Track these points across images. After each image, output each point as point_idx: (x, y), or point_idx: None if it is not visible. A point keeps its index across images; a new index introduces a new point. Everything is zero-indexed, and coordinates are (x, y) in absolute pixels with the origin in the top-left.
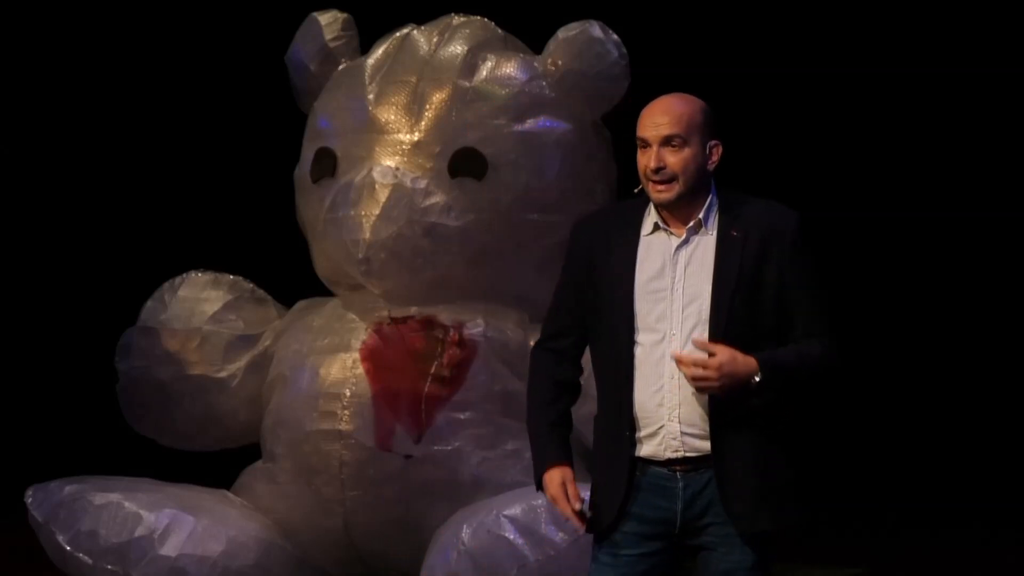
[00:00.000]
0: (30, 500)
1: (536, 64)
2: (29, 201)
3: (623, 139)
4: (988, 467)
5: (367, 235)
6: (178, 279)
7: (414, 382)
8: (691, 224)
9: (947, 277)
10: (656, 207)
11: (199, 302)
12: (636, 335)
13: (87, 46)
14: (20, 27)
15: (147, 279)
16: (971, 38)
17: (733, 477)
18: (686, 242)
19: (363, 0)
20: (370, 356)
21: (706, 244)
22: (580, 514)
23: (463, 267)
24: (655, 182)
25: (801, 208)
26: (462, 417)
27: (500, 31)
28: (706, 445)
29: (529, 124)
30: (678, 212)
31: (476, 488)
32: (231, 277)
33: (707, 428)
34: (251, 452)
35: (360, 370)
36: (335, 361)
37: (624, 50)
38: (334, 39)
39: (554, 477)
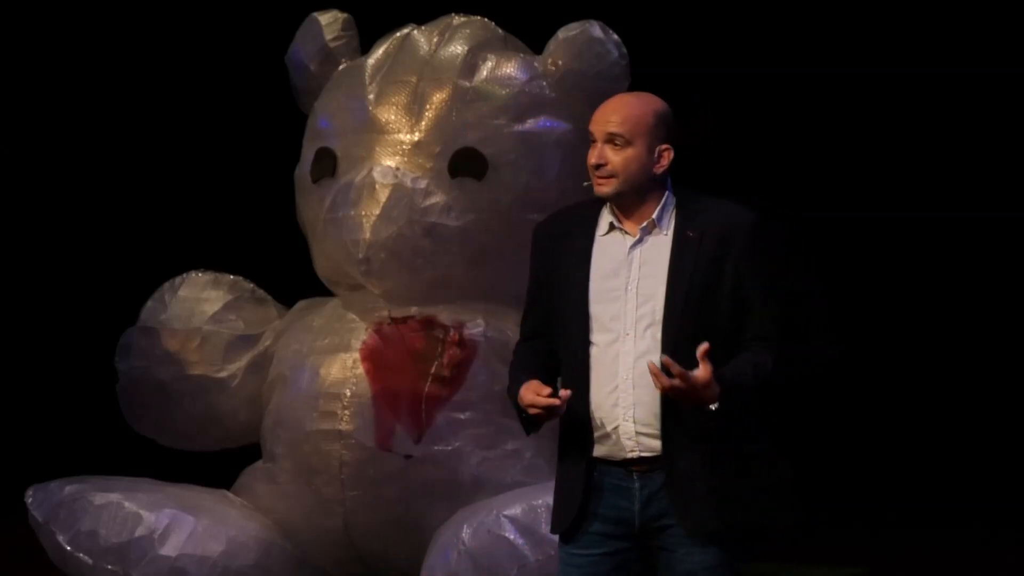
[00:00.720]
0: (30, 500)
1: (536, 64)
2: (29, 201)
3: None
4: (988, 467)
5: (367, 235)
6: (178, 279)
7: (414, 382)
8: (644, 224)
9: (947, 277)
10: (611, 207)
11: (199, 302)
12: (591, 335)
13: (87, 46)
14: (20, 27)
15: (147, 279)
16: (970, 38)
17: (684, 477)
18: (640, 242)
19: (363, 0)
20: (370, 356)
21: (661, 244)
22: (551, 409)
23: (463, 267)
24: (597, 177)
25: (801, 207)
26: (462, 417)
27: (500, 31)
28: (659, 444)
29: (529, 124)
30: (632, 212)
31: (476, 488)
32: (231, 277)
33: (659, 427)
34: (251, 452)
35: (360, 370)
36: (335, 361)
37: (624, 50)
38: (334, 39)
39: (528, 385)
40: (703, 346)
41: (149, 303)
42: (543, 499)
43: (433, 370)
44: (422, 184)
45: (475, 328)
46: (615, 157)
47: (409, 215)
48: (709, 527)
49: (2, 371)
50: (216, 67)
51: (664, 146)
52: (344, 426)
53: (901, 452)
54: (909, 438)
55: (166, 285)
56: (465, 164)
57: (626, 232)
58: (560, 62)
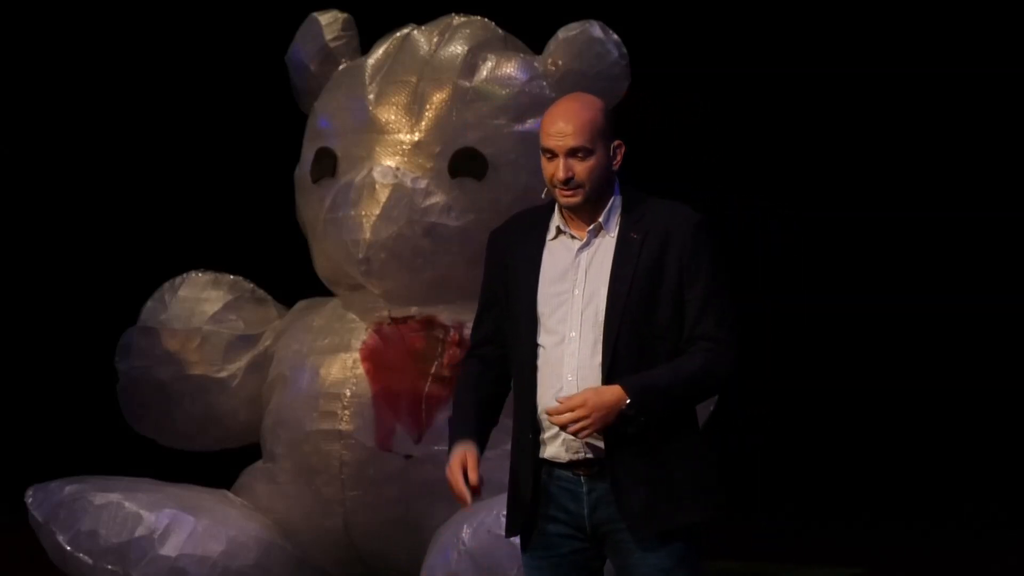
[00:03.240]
0: (30, 500)
1: (536, 64)
2: (29, 201)
3: (623, 139)
4: (988, 467)
5: (367, 235)
6: (178, 279)
7: (414, 382)
8: (591, 227)
9: (947, 278)
10: (560, 211)
11: (199, 302)
12: (538, 338)
13: (87, 46)
14: (20, 27)
15: (147, 279)
16: (970, 38)
17: (629, 478)
18: (587, 245)
19: (363, 0)
20: (370, 356)
21: (606, 246)
22: (473, 490)
23: (463, 267)
24: (563, 190)
25: (801, 207)
26: None
27: (500, 31)
28: (603, 445)
29: (529, 124)
30: (581, 215)
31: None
32: (231, 277)
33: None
34: (251, 452)
35: (360, 370)
36: (335, 361)
37: (624, 50)
38: (334, 39)
39: (457, 452)
40: (556, 400)
41: (149, 303)
42: None
43: (433, 370)
44: (422, 184)
45: None
46: (581, 168)
47: (409, 215)
48: (658, 529)
49: (2, 371)
50: (216, 67)
51: (617, 142)
52: (344, 426)
53: (901, 452)
54: (909, 438)
55: (166, 285)
56: (465, 164)
57: (573, 236)
58: (560, 62)
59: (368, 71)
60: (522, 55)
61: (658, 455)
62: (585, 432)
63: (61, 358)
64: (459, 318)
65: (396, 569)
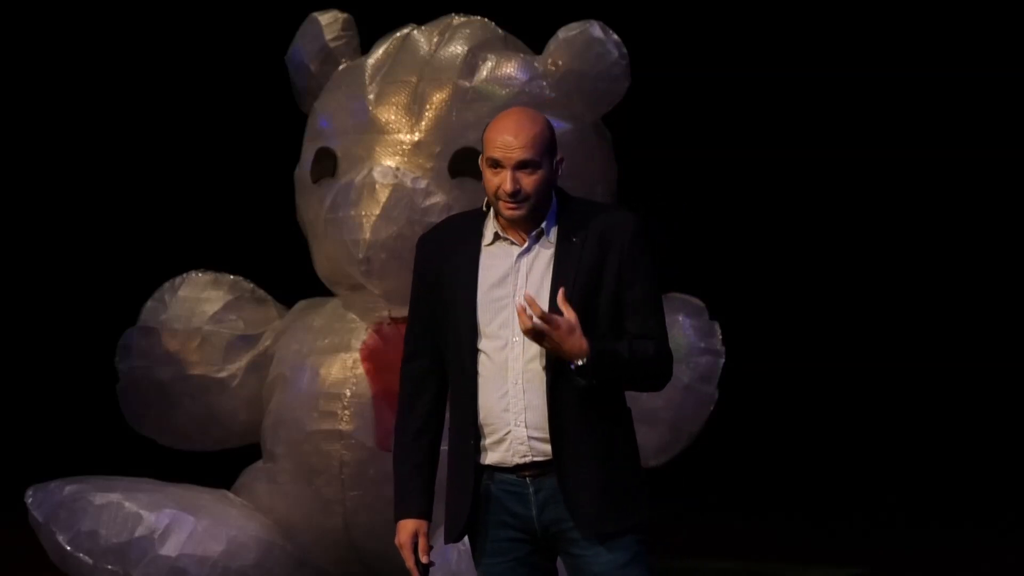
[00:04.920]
0: (30, 500)
1: (536, 64)
2: (29, 201)
3: (623, 139)
4: (988, 467)
5: (367, 235)
6: (178, 279)
7: None
8: (534, 232)
9: (947, 278)
10: (497, 217)
11: (199, 302)
12: (479, 342)
13: (87, 46)
14: (20, 27)
15: (147, 279)
16: (971, 38)
17: (578, 479)
18: (527, 250)
19: (363, 0)
20: (370, 356)
21: (546, 251)
22: (423, 567)
23: None
24: (508, 202)
25: (806, 217)
26: None
27: (500, 31)
28: (550, 448)
29: None
30: (520, 222)
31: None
32: (231, 277)
33: (549, 431)
34: (251, 452)
35: (360, 370)
36: (335, 361)
37: (624, 50)
38: (334, 39)
39: (407, 527)
40: (562, 291)
41: (149, 303)
42: None
43: None
44: (422, 184)
45: None
46: (528, 182)
47: (409, 215)
48: (608, 527)
49: (2, 371)
50: (216, 67)
51: (560, 157)
52: (344, 426)
53: (901, 452)
54: (909, 438)
55: (166, 285)
56: (465, 164)
57: (512, 241)
58: (560, 62)
59: (368, 71)
60: (522, 55)
61: (602, 455)
62: (530, 337)
63: (61, 358)
64: None
65: (396, 569)
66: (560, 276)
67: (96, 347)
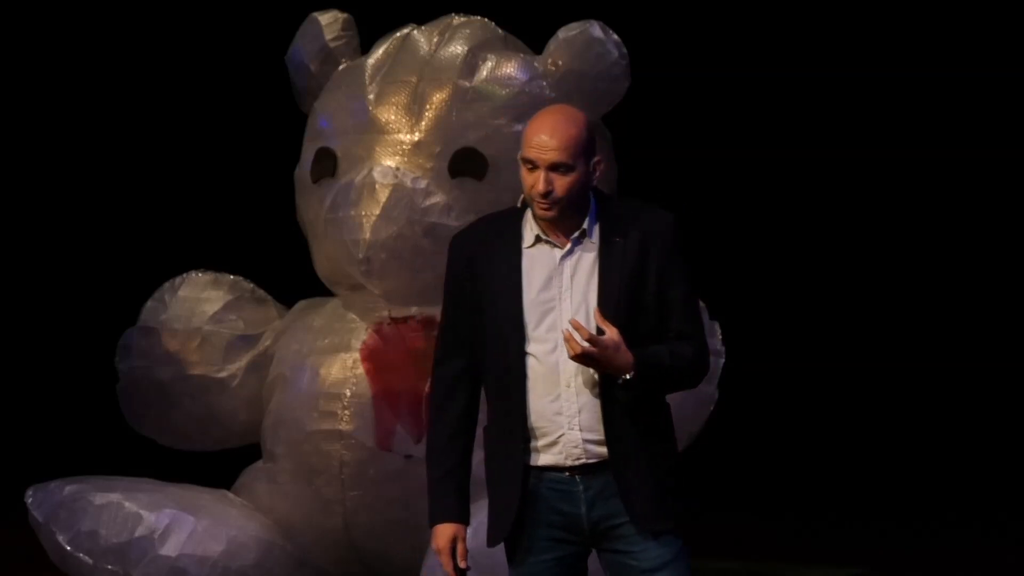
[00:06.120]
0: (30, 500)
1: (536, 64)
2: (29, 201)
3: (624, 139)
4: (988, 467)
5: (367, 235)
6: (178, 279)
7: (414, 382)
8: (575, 235)
9: (947, 278)
10: (536, 219)
11: (199, 302)
12: (527, 346)
13: (87, 46)
14: (20, 27)
15: (147, 279)
16: (971, 39)
17: (632, 479)
18: (570, 252)
19: (363, 0)
20: (370, 356)
21: (590, 252)
22: (461, 571)
23: None
24: (540, 202)
25: (805, 217)
26: None
27: (500, 31)
28: (604, 450)
29: None
30: (560, 223)
31: (476, 488)
32: (231, 277)
33: (604, 433)
34: (251, 452)
35: (360, 370)
36: (335, 361)
37: (624, 50)
38: (334, 39)
39: (446, 531)
40: (597, 310)
41: (149, 303)
42: None
43: None
44: (422, 184)
45: None
46: (561, 183)
47: (409, 215)
48: (661, 524)
49: (2, 371)
50: (216, 67)
51: (598, 159)
52: (344, 426)
53: (901, 452)
54: (909, 438)
55: (166, 285)
56: (465, 164)
57: (554, 243)
58: (560, 62)
59: (368, 71)
60: (522, 55)
61: (653, 454)
62: (579, 362)
63: (61, 358)
64: None
65: (396, 569)
66: (606, 277)
67: (96, 347)
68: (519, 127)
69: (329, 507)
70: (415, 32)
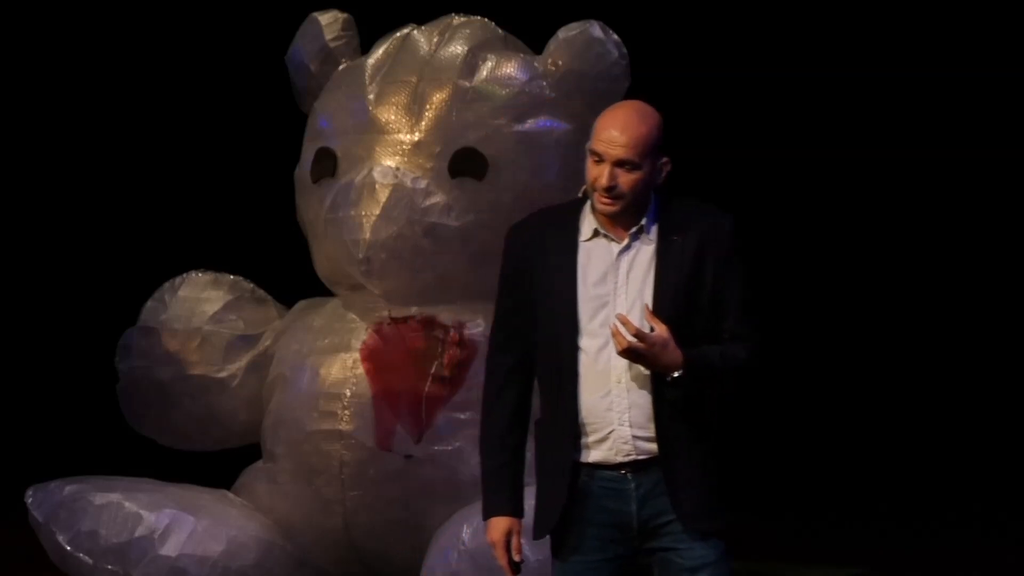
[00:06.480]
0: (30, 500)
1: (536, 64)
2: (29, 201)
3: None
4: (988, 467)
5: (367, 235)
6: (178, 279)
7: (414, 382)
8: (633, 230)
9: (947, 278)
10: (594, 212)
11: (199, 302)
12: (579, 340)
13: (87, 46)
14: (20, 27)
15: (147, 279)
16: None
17: (681, 477)
18: (628, 248)
19: (363, 0)
20: (370, 356)
21: (647, 249)
22: (515, 565)
23: (463, 267)
24: (603, 196)
25: (805, 217)
26: (462, 417)
27: (500, 31)
28: (654, 447)
29: (529, 124)
30: (619, 218)
31: (476, 488)
32: (231, 277)
33: (654, 430)
34: (251, 452)
35: (360, 370)
36: (335, 361)
37: (624, 50)
38: (334, 39)
39: (500, 525)
40: (647, 307)
41: (149, 303)
42: None
43: (433, 370)
44: (422, 184)
45: (475, 328)
46: (625, 180)
47: (409, 215)
48: (709, 524)
49: (2, 371)
50: (216, 67)
51: (665, 159)
52: (344, 426)
53: (901, 452)
54: (909, 438)
55: (166, 285)
56: (465, 164)
57: (612, 238)
58: (560, 62)
59: (368, 71)
60: (522, 55)
61: (702, 453)
62: (626, 357)
63: (61, 358)
64: (459, 318)
65: (396, 569)
66: (662, 275)
67: (96, 347)
68: (519, 127)
69: (329, 507)
70: (415, 32)
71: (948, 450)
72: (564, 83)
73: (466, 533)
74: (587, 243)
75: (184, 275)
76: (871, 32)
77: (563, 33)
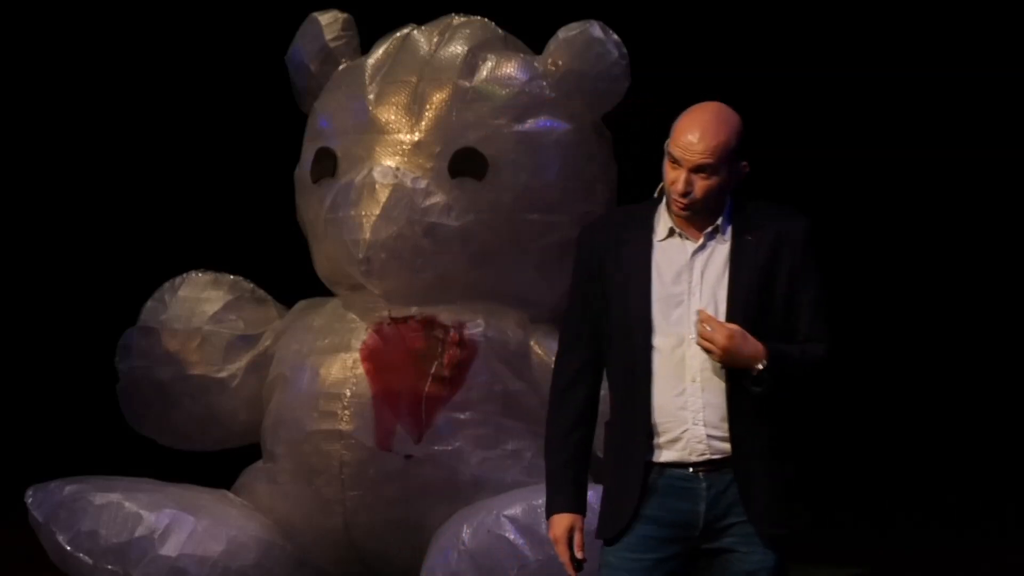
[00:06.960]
0: (30, 500)
1: (536, 64)
2: (28, 201)
3: (623, 139)
4: (989, 467)
5: (367, 235)
6: (178, 279)
7: (414, 382)
8: (709, 230)
9: (949, 279)
10: (669, 211)
11: (199, 302)
12: (653, 339)
13: (87, 46)
14: (20, 27)
15: (147, 279)
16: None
17: (754, 478)
18: (703, 248)
19: (363, 0)
20: (370, 356)
21: (722, 249)
22: (577, 562)
23: (463, 267)
24: (678, 200)
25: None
26: (462, 417)
27: (500, 31)
28: (728, 447)
29: (529, 124)
30: (694, 219)
31: (476, 488)
32: (231, 277)
33: (728, 429)
34: (251, 452)
35: (360, 370)
36: (335, 361)
37: (624, 50)
38: (334, 39)
39: (563, 521)
40: (701, 311)
41: (149, 303)
42: (543, 499)
43: (433, 370)
44: (422, 184)
45: (475, 328)
46: (701, 186)
47: (409, 215)
48: (777, 529)
49: (2, 371)
50: (216, 67)
51: (743, 163)
52: (344, 426)
53: (902, 452)
54: (910, 438)
55: (166, 285)
56: (465, 164)
57: (686, 237)
58: (560, 62)
59: (368, 71)
60: (522, 55)
61: (776, 455)
62: (705, 349)
63: (61, 358)
64: (459, 318)
65: (396, 569)
66: (736, 275)
67: (96, 347)
68: (519, 127)
69: (329, 507)
70: (415, 32)
71: (949, 450)
72: (564, 83)
73: (466, 533)
74: (662, 243)
75: (184, 275)
76: (871, 32)
77: (563, 33)
